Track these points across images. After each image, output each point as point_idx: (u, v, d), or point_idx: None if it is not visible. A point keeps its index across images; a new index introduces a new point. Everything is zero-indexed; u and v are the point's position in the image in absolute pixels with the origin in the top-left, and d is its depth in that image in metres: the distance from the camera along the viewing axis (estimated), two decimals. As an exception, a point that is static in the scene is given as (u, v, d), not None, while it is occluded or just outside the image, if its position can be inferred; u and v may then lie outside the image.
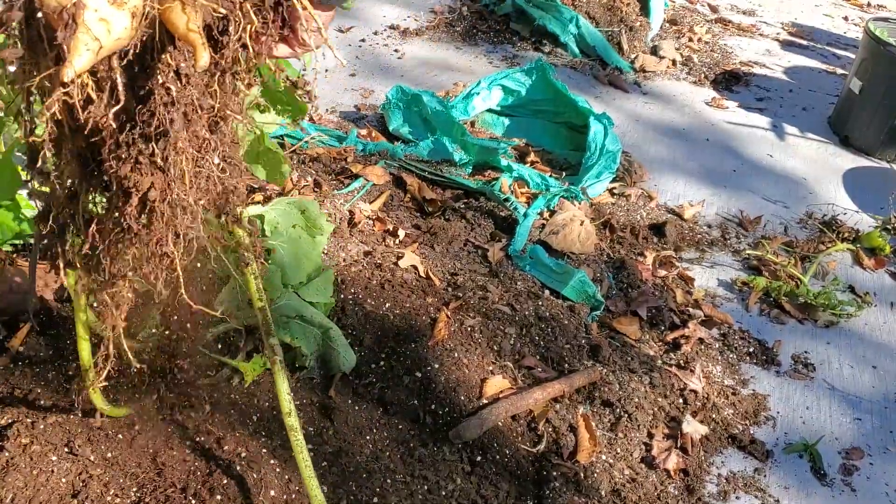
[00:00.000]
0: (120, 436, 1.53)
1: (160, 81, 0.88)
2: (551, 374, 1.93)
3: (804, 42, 4.54)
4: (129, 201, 0.93)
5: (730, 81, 3.84)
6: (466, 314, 2.03)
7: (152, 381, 1.65)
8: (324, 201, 2.39)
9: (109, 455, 1.49)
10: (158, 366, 1.54)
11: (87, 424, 1.54)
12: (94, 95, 0.86)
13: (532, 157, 2.88)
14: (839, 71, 4.20)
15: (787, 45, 4.44)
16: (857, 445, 1.97)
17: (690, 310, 2.27)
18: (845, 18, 5.06)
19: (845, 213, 2.89)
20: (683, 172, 3.02)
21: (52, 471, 1.45)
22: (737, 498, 1.77)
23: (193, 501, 1.45)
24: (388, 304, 2.00)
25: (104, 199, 1.02)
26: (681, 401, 1.96)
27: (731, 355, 2.16)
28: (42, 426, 1.51)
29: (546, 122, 3.05)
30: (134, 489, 1.46)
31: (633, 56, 3.85)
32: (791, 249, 2.62)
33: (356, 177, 2.56)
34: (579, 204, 2.59)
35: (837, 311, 2.36)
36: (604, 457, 1.78)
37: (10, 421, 1.52)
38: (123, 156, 0.91)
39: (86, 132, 0.89)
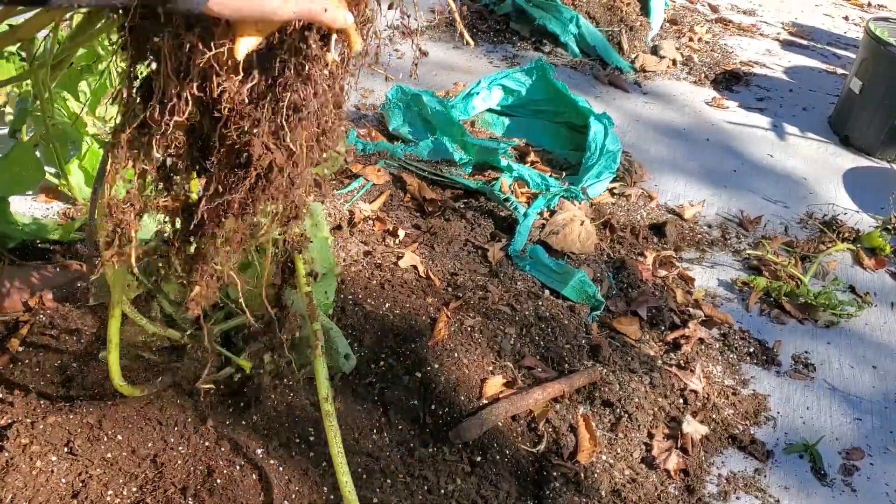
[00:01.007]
0: (120, 436, 1.53)
1: (297, 62, 0.89)
2: (551, 374, 1.93)
3: (804, 42, 4.54)
4: (252, 174, 0.95)
5: (730, 81, 3.84)
6: (466, 314, 2.03)
7: (158, 375, 1.65)
8: (324, 201, 2.39)
9: (109, 455, 1.49)
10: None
11: (86, 424, 1.54)
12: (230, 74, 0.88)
13: (532, 156, 2.88)
14: (839, 71, 4.20)
15: (787, 45, 4.44)
16: (857, 445, 1.97)
17: (691, 310, 2.27)
18: (845, 18, 5.06)
19: (846, 213, 2.89)
20: (684, 172, 3.02)
21: (52, 471, 1.45)
22: (737, 498, 1.77)
23: (193, 502, 1.44)
24: (388, 304, 2.00)
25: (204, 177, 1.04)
26: (681, 401, 1.96)
27: (731, 355, 2.16)
28: (42, 426, 1.51)
29: (546, 121, 3.05)
30: (134, 489, 1.46)
31: (633, 56, 3.84)
32: (791, 249, 2.62)
33: (356, 176, 2.56)
34: (579, 204, 2.59)
35: (838, 311, 2.36)
36: (604, 457, 1.77)
37: (10, 421, 1.52)
38: (252, 130, 0.92)
39: (216, 109, 0.90)
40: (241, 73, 0.88)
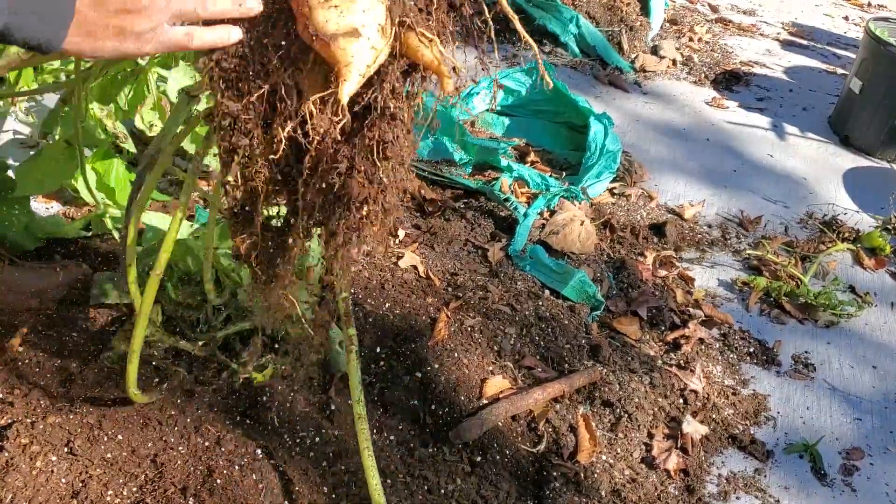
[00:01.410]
0: (120, 436, 1.53)
1: (386, 99, 0.94)
2: (551, 374, 1.93)
3: (804, 42, 4.54)
4: (350, 206, 1.01)
5: (730, 81, 3.84)
6: (466, 314, 2.03)
7: (158, 378, 1.65)
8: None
9: (109, 455, 1.49)
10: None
11: (86, 424, 1.54)
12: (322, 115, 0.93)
13: (532, 156, 2.88)
14: (839, 71, 4.20)
15: (787, 45, 4.44)
16: (857, 445, 1.97)
17: (691, 310, 2.26)
18: (846, 18, 5.06)
19: (846, 213, 2.88)
20: (684, 172, 3.02)
21: (52, 471, 1.45)
22: (737, 498, 1.77)
23: (193, 502, 1.44)
24: (387, 304, 2.00)
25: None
26: (681, 401, 1.96)
27: (731, 355, 2.16)
28: (42, 426, 1.51)
29: (546, 121, 3.05)
30: (134, 489, 1.46)
31: (633, 56, 3.84)
32: (791, 249, 2.62)
33: (356, 177, 2.56)
34: (579, 204, 2.59)
35: (838, 311, 2.36)
36: (604, 457, 1.77)
37: (9, 421, 1.52)
38: (340, 167, 0.96)
39: (305, 148, 0.95)
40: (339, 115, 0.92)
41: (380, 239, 1.09)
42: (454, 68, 0.96)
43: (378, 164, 0.97)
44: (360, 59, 0.85)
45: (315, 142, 0.93)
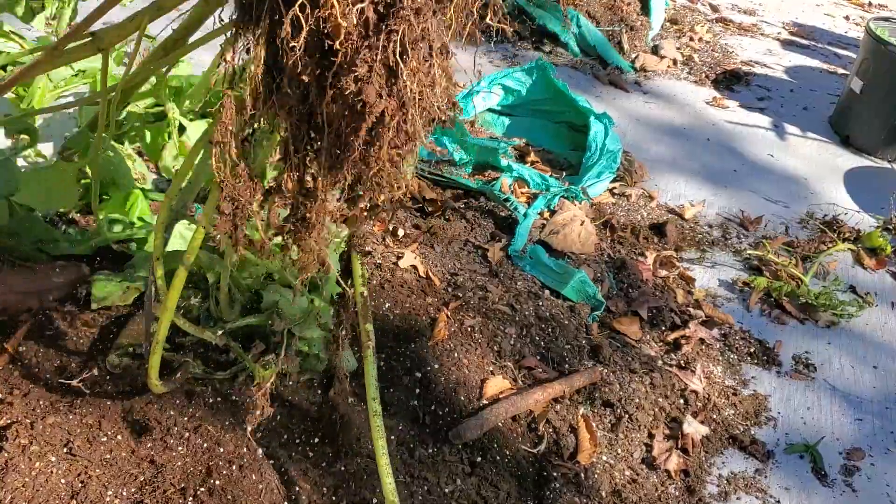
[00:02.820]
0: (119, 436, 1.53)
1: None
2: (551, 375, 1.93)
3: (805, 42, 4.54)
4: (363, 121, 0.92)
5: (730, 81, 3.83)
6: (466, 314, 2.03)
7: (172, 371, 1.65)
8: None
9: (108, 456, 1.49)
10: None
11: (86, 425, 1.54)
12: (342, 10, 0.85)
13: (532, 156, 2.88)
14: (840, 71, 4.19)
15: (787, 45, 4.44)
16: (858, 446, 1.97)
17: (691, 310, 2.26)
18: (846, 18, 5.05)
19: (846, 213, 2.88)
20: (684, 172, 3.02)
21: (52, 471, 1.44)
22: (737, 499, 1.77)
23: (192, 502, 1.44)
24: (387, 304, 2.00)
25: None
26: (681, 401, 1.95)
27: (731, 355, 2.16)
28: (41, 426, 1.51)
29: (546, 121, 3.05)
30: (133, 490, 1.46)
31: (633, 55, 3.84)
32: (792, 249, 2.62)
33: (356, 177, 2.55)
34: (580, 204, 2.59)
35: (838, 311, 2.36)
36: (604, 457, 1.77)
37: (9, 421, 1.51)
38: (362, 72, 0.88)
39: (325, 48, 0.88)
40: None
41: (396, 183, 1.01)
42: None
43: (399, 70, 0.88)
44: None
45: (336, 34, 0.86)
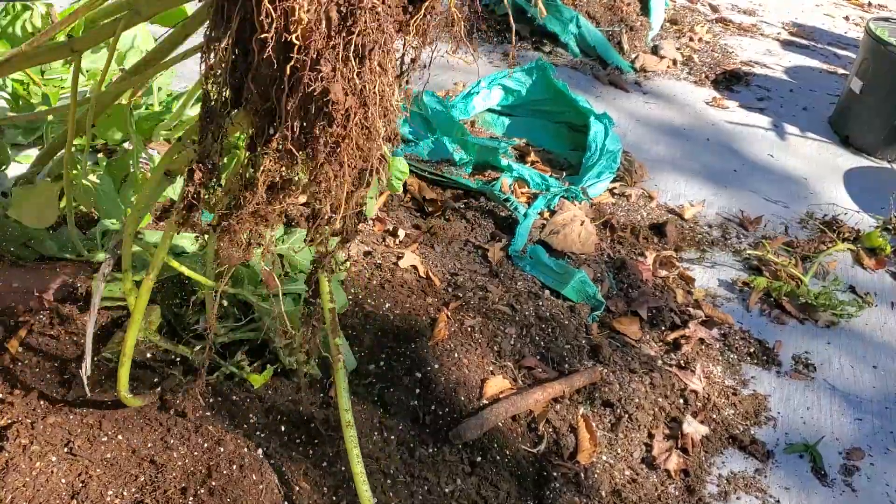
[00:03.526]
0: (120, 436, 1.53)
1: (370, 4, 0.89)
2: (551, 375, 1.93)
3: (805, 42, 4.54)
4: (327, 117, 0.94)
5: (730, 81, 3.83)
6: (466, 314, 2.03)
7: (158, 380, 1.65)
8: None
9: (109, 455, 1.49)
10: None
11: (86, 424, 1.54)
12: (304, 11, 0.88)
13: (532, 156, 2.88)
14: (840, 71, 4.20)
15: (787, 45, 4.44)
16: (857, 446, 1.97)
17: (691, 310, 2.26)
18: (846, 18, 5.06)
19: (846, 213, 2.88)
20: (684, 172, 3.02)
21: (52, 471, 1.45)
22: (737, 498, 1.77)
23: (193, 502, 1.44)
24: (387, 305, 2.00)
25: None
26: (681, 401, 1.96)
27: (731, 355, 2.16)
28: (42, 426, 1.51)
29: (546, 121, 3.05)
30: (134, 490, 1.46)
31: (633, 56, 3.84)
32: (792, 249, 2.62)
33: (356, 177, 2.55)
34: (580, 204, 2.59)
35: (838, 311, 2.36)
36: (604, 457, 1.77)
37: (9, 421, 1.51)
38: (324, 70, 0.91)
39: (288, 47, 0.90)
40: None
41: (358, 177, 1.02)
42: None
43: (359, 69, 0.91)
44: None
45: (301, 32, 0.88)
